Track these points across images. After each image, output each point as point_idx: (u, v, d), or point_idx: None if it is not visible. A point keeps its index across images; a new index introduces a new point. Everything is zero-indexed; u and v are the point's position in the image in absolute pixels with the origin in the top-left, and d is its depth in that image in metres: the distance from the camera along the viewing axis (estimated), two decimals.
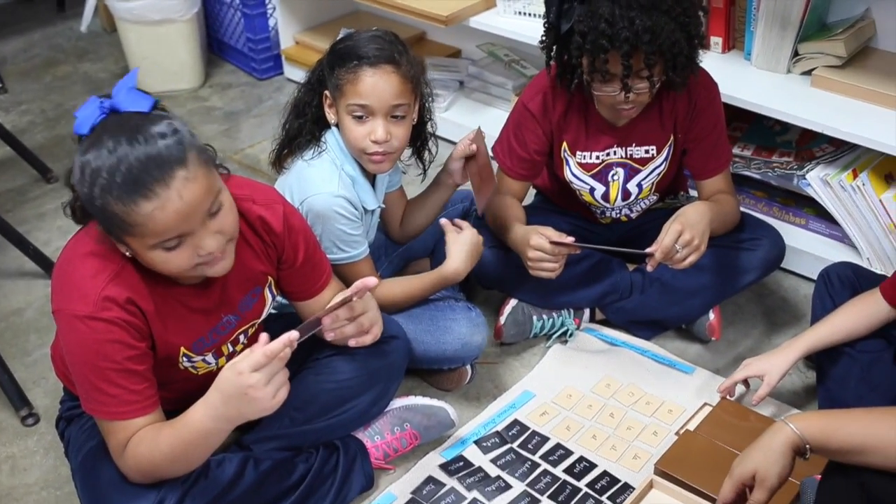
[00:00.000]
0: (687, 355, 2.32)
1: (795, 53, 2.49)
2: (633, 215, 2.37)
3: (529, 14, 2.88)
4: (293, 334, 1.50)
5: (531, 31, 2.83)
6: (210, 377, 1.71)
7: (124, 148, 1.42)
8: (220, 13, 3.72)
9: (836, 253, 2.46)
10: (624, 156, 2.23)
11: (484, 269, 2.32)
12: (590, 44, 1.97)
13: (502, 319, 2.31)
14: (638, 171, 2.25)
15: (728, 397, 2.12)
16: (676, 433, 2.08)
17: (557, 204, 2.44)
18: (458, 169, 2.20)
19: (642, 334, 2.36)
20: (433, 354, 2.10)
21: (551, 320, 2.34)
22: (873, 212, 2.34)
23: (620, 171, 2.25)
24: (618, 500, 1.93)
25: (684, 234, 2.03)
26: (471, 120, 3.07)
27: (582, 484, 1.97)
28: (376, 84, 1.93)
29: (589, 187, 2.28)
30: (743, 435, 2.04)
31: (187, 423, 1.57)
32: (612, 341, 2.35)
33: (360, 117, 1.96)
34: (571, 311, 2.35)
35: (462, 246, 2.09)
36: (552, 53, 2.13)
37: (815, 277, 2.37)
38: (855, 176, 2.36)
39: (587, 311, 2.38)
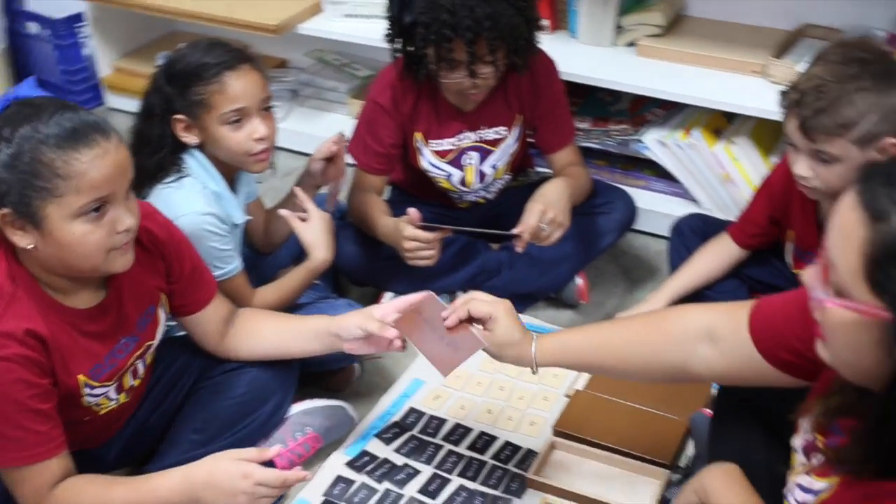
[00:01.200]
0: (560, 321, 2.41)
1: (618, 27, 2.64)
2: (491, 196, 2.45)
3: (358, 16, 2.92)
4: (306, 474, 1.63)
5: (361, 32, 2.88)
6: (111, 417, 1.66)
7: (65, 112, 1.46)
8: (31, 48, 3.56)
9: (679, 208, 2.61)
10: (476, 139, 2.31)
11: (354, 266, 2.35)
12: (434, 34, 2.03)
13: None
14: (491, 153, 2.33)
15: None
16: (566, 395, 2.17)
17: (414, 195, 2.49)
18: (319, 170, 2.21)
19: (516, 308, 2.43)
20: (323, 356, 2.10)
21: None
22: (708, 165, 2.52)
23: (474, 154, 2.32)
24: (524, 466, 1.99)
25: (547, 212, 2.11)
26: (309, 127, 3.08)
27: (487, 457, 2.02)
28: (244, 85, 1.92)
29: (446, 174, 2.34)
30: (627, 386, 2.15)
31: (153, 488, 1.55)
32: None
33: (236, 121, 1.94)
34: (446, 296, 2.40)
35: (317, 233, 2.10)
36: (397, 46, 2.18)
37: (663, 234, 2.54)
38: (687, 134, 2.53)
39: (461, 294, 2.43)
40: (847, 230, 1.04)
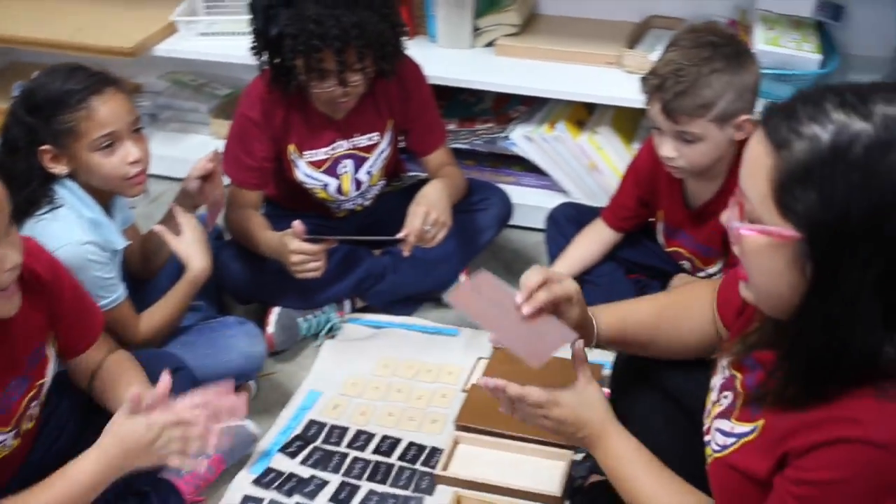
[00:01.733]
0: (448, 320, 2.45)
1: (475, 29, 2.71)
2: (368, 203, 2.47)
3: (214, 34, 2.88)
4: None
5: (219, 50, 2.85)
6: (5, 462, 1.60)
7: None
8: None
9: (550, 200, 2.68)
10: (350, 147, 2.32)
11: (240, 283, 2.32)
12: (302, 45, 2.03)
13: (270, 329, 2.31)
14: (365, 159, 2.35)
15: (498, 345, 2.27)
16: (464, 390, 2.21)
17: (289, 208, 2.47)
18: (196, 188, 2.17)
19: (403, 311, 2.46)
20: (218, 376, 2.00)
21: (316, 319, 2.37)
22: (574, 156, 2.61)
23: (349, 162, 2.33)
24: (431, 464, 2.01)
25: (431, 214, 2.14)
26: (172, 151, 3.02)
27: (393, 459, 2.04)
28: (112, 108, 1.87)
29: (322, 183, 2.34)
30: (520, 374, 2.19)
31: (74, 480, 1.49)
32: (377, 325, 2.43)
33: (108, 146, 1.88)
34: (333, 305, 2.40)
35: (191, 243, 2.06)
36: (264, 59, 2.17)
37: (537, 226, 2.61)
38: (552, 127, 2.62)
39: (347, 303, 2.44)
40: (755, 162, 1.12)
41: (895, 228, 1.04)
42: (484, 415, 2.09)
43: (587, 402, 1.45)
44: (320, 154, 2.31)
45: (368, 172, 2.37)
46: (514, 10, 2.65)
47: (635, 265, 2.34)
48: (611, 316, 1.61)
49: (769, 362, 1.31)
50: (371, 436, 2.10)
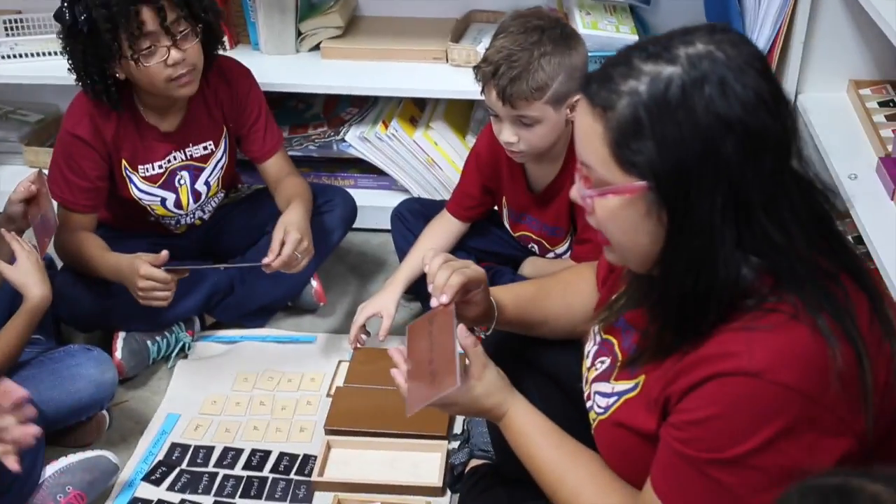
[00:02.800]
0: (303, 327, 2.40)
1: (298, 33, 2.68)
2: (207, 217, 2.39)
3: (17, 56, 2.71)
4: None
5: (25, 72, 2.69)
6: None
7: None
8: None
9: (390, 199, 2.66)
10: (185, 158, 2.24)
11: (80, 311, 2.20)
12: (116, 4, 1.94)
13: (118, 354, 2.19)
14: (202, 170, 2.27)
15: (358, 346, 2.25)
16: (328, 395, 2.17)
17: (122, 229, 2.36)
18: (20, 212, 2.04)
19: (255, 323, 2.40)
20: (68, 408, 1.94)
21: (165, 339, 2.28)
22: (411, 152, 2.61)
23: (185, 174, 2.25)
24: (305, 472, 1.97)
25: (303, 241, 2.08)
26: None
27: (266, 472, 1.98)
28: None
29: (159, 198, 2.25)
30: (383, 372, 2.16)
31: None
32: (231, 340, 2.36)
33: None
34: (182, 324, 2.31)
35: (27, 271, 1.92)
36: (84, 68, 2.06)
37: (379, 227, 2.62)
38: (386, 126, 2.62)
39: (197, 320, 2.35)
40: (587, 132, 1.16)
41: (728, 152, 1.09)
42: (353, 416, 2.07)
43: (485, 391, 1.43)
44: (155, 168, 2.22)
45: (206, 183, 2.29)
46: (336, 12, 2.64)
47: (485, 253, 2.36)
48: (507, 296, 1.62)
49: (640, 321, 1.36)
50: (239, 452, 2.03)
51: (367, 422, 2.05)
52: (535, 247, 2.30)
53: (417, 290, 2.30)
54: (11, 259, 1.94)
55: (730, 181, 1.11)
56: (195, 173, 2.26)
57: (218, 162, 2.29)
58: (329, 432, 2.04)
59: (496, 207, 2.36)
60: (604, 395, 1.38)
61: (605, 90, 1.14)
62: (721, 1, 2.48)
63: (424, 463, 1.97)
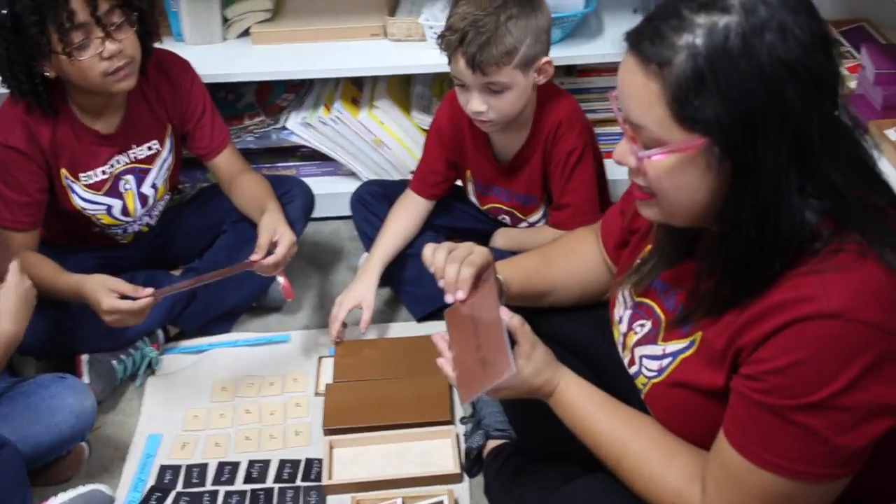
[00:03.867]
0: (272, 327, 2.29)
1: (225, 20, 2.53)
2: (154, 222, 2.24)
3: None
4: None
5: None
6: None
7: None
8: None
9: (336, 186, 2.58)
10: (129, 161, 2.09)
11: (35, 336, 2.01)
12: None
13: (85, 379, 2.03)
14: (148, 172, 2.13)
15: (338, 341, 2.15)
16: (318, 393, 2.07)
17: (63, 245, 2.18)
18: None
19: (221, 329, 2.26)
20: (49, 444, 1.79)
21: (131, 357, 2.12)
22: (357, 133, 2.51)
23: (130, 178, 2.10)
24: (311, 476, 1.87)
25: (293, 248, 1.99)
26: None
27: (270, 483, 1.87)
28: None
29: (105, 207, 2.09)
30: (370, 364, 2.11)
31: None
32: (198, 349, 2.22)
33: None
34: (146, 338, 2.16)
35: (7, 302, 1.72)
36: (9, 67, 1.89)
37: (329, 215, 2.53)
38: (329, 109, 2.51)
39: (161, 333, 2.20)
40: (640, 92, 1.12)
41: (792, 96, 1.07)
42: (350, 413, 1.98)
43: (534, 370, 1.36)
44: (98, 174, 2.05)
45: (153, 186, 2.14)
46: None
47: (452, 230, 2.29)
48: (511, 271, 1.57)
49: (682, 279, 1.32)
50: (236, 465, 1.91)
51: (366, 417, 1.96)
52: (507, 218, 2.24)
53: (388, 275, 2.22)
54: None
55: (795, 126, 1.09)
56: (141, 176, 2.11)
57: (164, 162, 2.14)
58: (328, 432, 1.94)
59: (459, 182, 2.30)
60: (654, 357, 1.34)
61: (658, 46, 1.10)
62: None
63: (435, 451, 1.90)
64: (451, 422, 1.95)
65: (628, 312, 1.43)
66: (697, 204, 1.17)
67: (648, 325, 1.38)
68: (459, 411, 1.99)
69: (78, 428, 1.83)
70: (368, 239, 2.28)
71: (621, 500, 1.32)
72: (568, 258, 1.66)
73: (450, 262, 1.43)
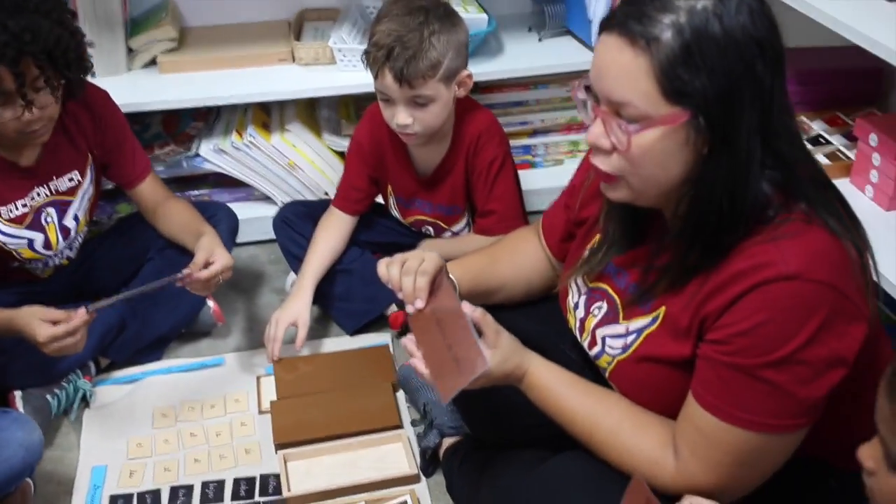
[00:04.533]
0: (203, 352, 2.27)
1: (129, 50, 2.52)
2: (74, 255, 2.19)
3: None
4: None
5: None
6: None
7: None
8: None
9: (252, 211, 2.60)
10: (50, 193, 2.05)
11: None
12: None
13: None
14: (69, 204, 2.09)
15: (277, 360, 2.15)
16: (261, 412, 2.07)
17: None
18: None
19: (152, 357, 2.24)
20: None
21: (64, 391, 2.07)
22: (270, 157, 2.54)
23: (52, 210, 2.06)
24: (269, 492, 1.87)
25: (228, 272, 2.01)
26: None
27: (228, 502, 1.86)
28: None
29: (26, 241, 2.04)
30: (311, 378, 2.14)
31: None
32: (131, 378, 2.18)
33: None
34: (78, 371, 2.11)
35: None
36: None
37: (246, 240, 2.55)
38: (241, 135, 2.52)
39: (92, 365, 2.16)
40: (626, 68, 1.20)
41: (761, 71, 1.19)
42: (299, 426, 2.00)
43: (503, 357, 1.42)
44: (18, 208, 2.01)
45: (75, 218, 2.10)
46: (170, 24, 2.50)
47: (376, 245, 2.35)
48: (460, 271, 1.64)
49: (634, 261, 1.42)
50: (189, 488, 1.89)
51: (315, 429, 1.98)
52: (431, 229, 2.32)
53: (316, 292, 2.24)
54: None
55: (762, 99, 1.20)
56: (62, 208, 2.08)
57: (85, 193, 2.11)
58: (280, 447, 1.95)
59: (379, 197, 2.35)
60: (617, 336, 1.43)
61: (644, 24, 1.18)
62: None
63: (388, 455, 1.94)
64: (399, 426, 1.99)
65: (583, 298, 1.52)
66: (670, 178, 1.25)
67: (605, 306, 1.47)
68: (406, 416, 2.04)
69: (28, 461, 1.76)
70: (294, 258, 2.31)
71: (599, 471, 1.38)
72: (512, 256, 1.74)
73: (405, 275, 1.49)
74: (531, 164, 2.78)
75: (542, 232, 1.72)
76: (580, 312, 1.53)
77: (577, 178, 1.63)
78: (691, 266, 1.30)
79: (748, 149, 1.21)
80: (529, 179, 2.57)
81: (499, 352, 1.42)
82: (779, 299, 1.21)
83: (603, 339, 1.46)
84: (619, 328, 1.43)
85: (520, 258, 1.74)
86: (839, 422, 1.29)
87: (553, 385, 1.45)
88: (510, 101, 2.68)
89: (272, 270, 2.54)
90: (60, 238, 2.09)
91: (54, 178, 2.05)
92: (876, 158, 1.90)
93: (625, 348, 1.42)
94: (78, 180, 2.09)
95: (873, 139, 1.90)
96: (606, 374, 1.47)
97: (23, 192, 2.01)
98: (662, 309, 1.35)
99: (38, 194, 2.04)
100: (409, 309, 1.48)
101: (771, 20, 1.21)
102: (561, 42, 2.69)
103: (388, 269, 1.52)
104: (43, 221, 2.06)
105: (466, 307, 1.42)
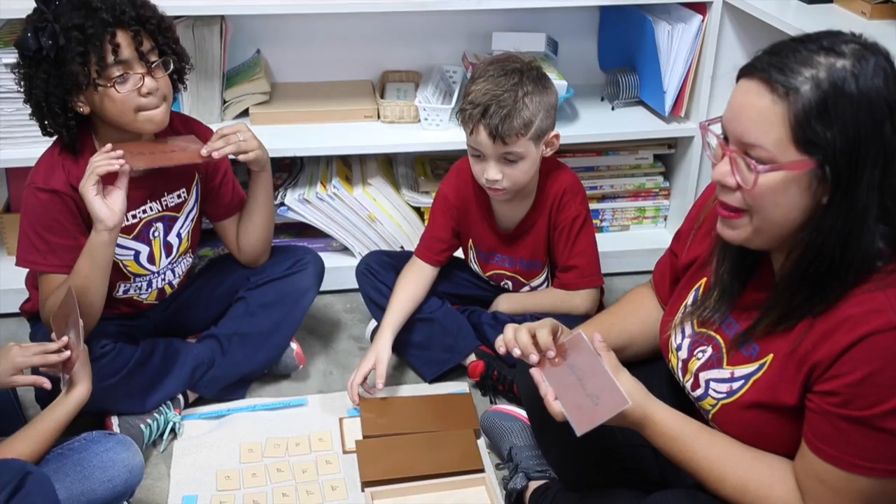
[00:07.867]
0: (285, 393, 2.33)
1: (223, 101, 2.63)
2: (177, 282, 2.24)
3: None
4: None
5: None
6: None
7: None
8: None
9: (330, 261, 2.64)
10: (161, 208, 2.12)
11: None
12: (93, 27, 1.85)
13: None
14: (175, 220, 2.16)
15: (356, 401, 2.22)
16: (345, 451, 2.12)
17: None
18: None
19: (236, 395, 2.29)
20: (103, 498, 1.77)
21: (156, 421, 2.13)
22: (352, 209, 2.63)
23: (159, 225, 2.12)
24: None
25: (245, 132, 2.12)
26: None
27: None
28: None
29: (133, 252, 2.09)
30: (396, 420, 2.19)
31: None
32: (217, 414, 2.24)
33: None
34: (169, 403, 2.17)
35: (82, 364, 1.81)
36: (45, 99, 1.91)
37: (323, 290, 2.59)
38: (325, 186, 2.62)
39: (181, 398, 2.22)
40: (764, 112, 1.28)
41: (889, 131, 1.26)
42: (385, 465, 2.05)
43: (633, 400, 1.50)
44: (130, 218, 2.06)
45: (178, 235, 2.16)
46: (263, 78, 2.62)
47: (455, 297, 2.42)
48: (588, 330, 1.65)
49: (745, 307, 1.49)
50: None
51: (401, 469, 2.03)
52: (510, 283, 2.39)
53: (394, 341, 2.31)
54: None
55: (885, 157, 1.28)
56: (169, 224, 2.14)
57: (190, 212, 2.18)
58: (367, 485, 2.00)
59: (459, 251, 2.43)
60: (722, 380, 1.49)
61: (786, 75, 1.27)
62: (628, 45, 2.74)
63: (472, 497, 1.99)
64: (482, 470, 2.04)
65: (687, 340, 1.58)
66: (790, 221, 1.33)
67: (710, 350, 1.53)
68: (488, 460, 2.08)
69: (131, 482, 1.82)
70: (376, 306, 2.38)
71: None
72: (637, 313, 1.81)
73: (521, 334, 1.57)
74: (598, 229, 2.86)
75: (653, 285, 1.80)
76: (683, 353, 1.59)
77: (685, 225, 1.70)
78: (796, 307, 1.37)
79: (866, 203, 1.29)
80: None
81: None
82: (890, 349, 1.27)
83: (707, 383, 1.52)
84: (724, 373, 1.49)
85: (644, 314, 1.80)
86: None
87: (677, 436, 1.50)
88: (582, 165, 2.78)
89: (348, 319, 2.61)
90: (163, 254, 2.15)
91: (165, 193, 2.12)
92: None
93: (730, 393, 1.47)
94: (184, 197, 2.16)
95: None
96: (709, 416, 1.52)
97: (137, 202, 2.07)
98: (770, 356, 1.42)
99: (151, 208, 2.10)
100: (534, 359, 1.54)
101: None
102: (633, 111, 2.79)
103: (506, 336, 1.59)
104: (150, 235, 2.12)
105: (597, 342, 1.52)
